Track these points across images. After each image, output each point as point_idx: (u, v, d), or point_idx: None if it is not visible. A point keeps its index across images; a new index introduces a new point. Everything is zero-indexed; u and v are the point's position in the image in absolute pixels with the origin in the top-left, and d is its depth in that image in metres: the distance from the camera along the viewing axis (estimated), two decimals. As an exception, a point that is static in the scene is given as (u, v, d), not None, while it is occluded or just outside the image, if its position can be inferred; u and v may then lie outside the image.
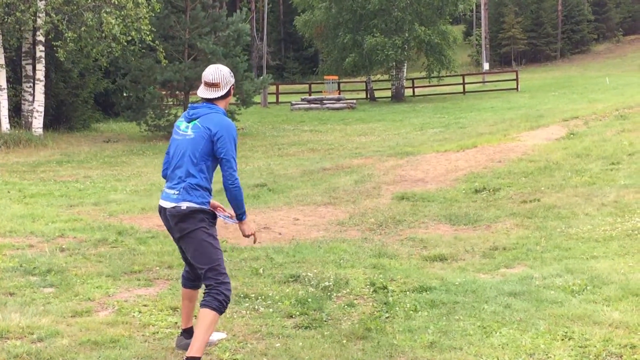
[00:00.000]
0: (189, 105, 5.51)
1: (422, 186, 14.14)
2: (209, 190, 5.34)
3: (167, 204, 5.30)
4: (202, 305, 5.18)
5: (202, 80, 5.44)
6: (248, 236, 5.52)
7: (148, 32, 25.10)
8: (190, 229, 5.23)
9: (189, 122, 5.36)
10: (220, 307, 5.18)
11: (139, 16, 24.76)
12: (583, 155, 15.22)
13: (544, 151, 16.22)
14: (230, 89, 5.47)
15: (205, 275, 5.25)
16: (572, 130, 18.57)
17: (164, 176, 5.54)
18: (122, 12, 24.46)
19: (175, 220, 5.27)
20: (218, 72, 5.41)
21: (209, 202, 5.31)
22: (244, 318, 6.45)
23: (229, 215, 5.54)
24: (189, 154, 5.27)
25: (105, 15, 23.93)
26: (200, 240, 5.24)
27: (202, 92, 5.43)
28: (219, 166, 5.35)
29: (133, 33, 24.86)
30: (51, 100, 27.74)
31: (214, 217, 5.37)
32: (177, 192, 5.25)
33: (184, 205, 5.21)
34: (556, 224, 10.61)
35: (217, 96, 5.41)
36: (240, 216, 5.42)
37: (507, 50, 79.30)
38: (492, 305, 6.63)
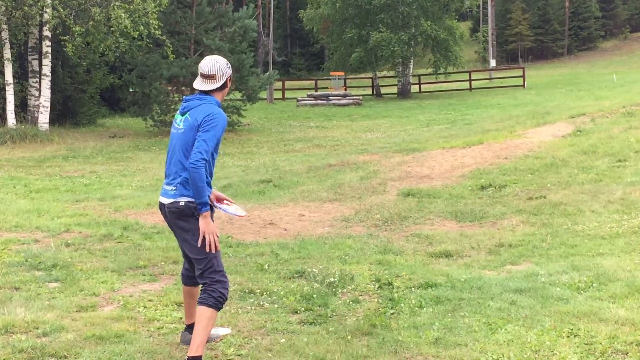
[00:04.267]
0: (183, 97, 5.45)
1: (428, 182, 14.12)
2: (207, 183, 5.18)
3: (166, 200, 5.28)
4: (199, 302, 5.18)
5: (199, 72, 5.36)
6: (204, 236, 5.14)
7: (156, 27, 25.11)
8: (187, 226, 5.20)
9: (182, 115, 5.31)
10: (216, 303, 5.15)
11: (147, 11, 24.76)
12: (589, 152, 15.18)
13: (551, 148, 16.19)
14: (226, 80, 5.37)
15: (201, 274, 5.23)
16: (579, 127, 18.52)
17: None
18: (131, 7, 24.47)
19: (173, 217, 5.24)
20: (214, 64, 5.31)
21: (207, 196, 5.23)
22: (248, 314, 6.44)
23: (233, 207, 5.50)
24: (182, 147, 5.21)
25: (116, 8, 23.94)
26: (197, 239, 5.18)
27: (198, 83, 5.35)
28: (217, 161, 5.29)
29: (141, 28, 24.86)
30: (57, 96, 27.78)
31: (211, 212, 5.30)
32: (174, 187, 5.21)
33: (182, 201, 5.16)
34: (562, 221, 10.58)
35: (212, 88, 5.32)
36: (198, 207, 5.08)
37: (514, 46, 79.24)
38: (497, 301, 6.62)
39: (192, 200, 5.15)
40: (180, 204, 5.17)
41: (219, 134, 5.14)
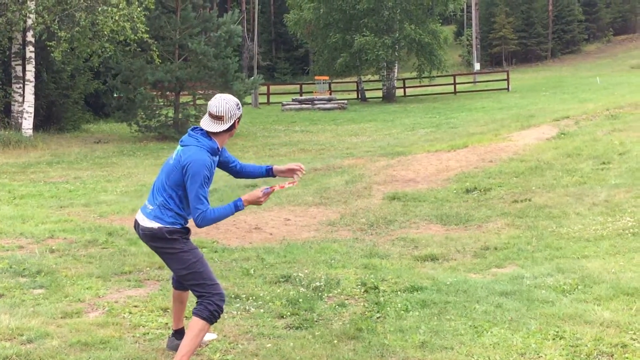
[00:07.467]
0: (192, 127, 5.33)
1: (413, 186, 14.14)
2: (182, 217, 5.19)
3: (141, 218, 5.25)
4: (194, 313, 5.14)
5: (207, 110, 5.19)
6: (262, 198, 5.18)
7: (144, 31, 25.04)
8: (164, 247, 5.19)
9: (180, 146, 5.22)
10: (210, 317, 5.12)
11: (132, 15, 24.68)
12: (574, 155, 15.23)
13: (535, 151, 16.24)
14: (234, 122, 5.19)
15: (195, 290, 5.21)
16: (563, 130, 18.59)
17: None
18: (120, 12, 24.35)
19: (146, 239, 5.24)
20: (223, 104, 5.14)
21: (180, 225, 5.19)
22: (234, 319, 6.43)
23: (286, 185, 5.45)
24: (164, 179, 5.17)
25: (113, 10, 23.86)
26: (179, 258, 5.18)
27: (206, 123, 5.18)
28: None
29: (128, 32, 24.77)
30: (41, 101, 27.64)
31: (187, 232, 5.28)
32: (152, 207, 5.19)
33: (156, 225, 5.13)
34: (547, 224, 10.62)
35: (219, 130, 5.16)
36: (238, 208, 5.12)
37: (498, 50, 79.56)
38: (483, 305, 6.63)
39: (166, 226, 5.14)
40: (154, 227, 5.15)
41: (204, 180, 5.02)
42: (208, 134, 5.21)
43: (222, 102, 5.16)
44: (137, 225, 5.31)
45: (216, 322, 5.25)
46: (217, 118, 5.15)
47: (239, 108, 5.22)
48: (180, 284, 5.62)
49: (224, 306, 5.22)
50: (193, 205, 5.01)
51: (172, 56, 28.23)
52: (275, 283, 7.66)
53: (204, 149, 5.11)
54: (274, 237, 10.56)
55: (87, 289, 7.38)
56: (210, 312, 5.12)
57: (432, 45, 45.81)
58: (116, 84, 28.08)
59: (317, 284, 7.49)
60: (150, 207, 5.20)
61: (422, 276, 7.92)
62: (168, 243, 5.16)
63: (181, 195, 5.13)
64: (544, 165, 14.70)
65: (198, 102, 29.65)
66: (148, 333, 6.05)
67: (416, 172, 15.51)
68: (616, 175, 13.20)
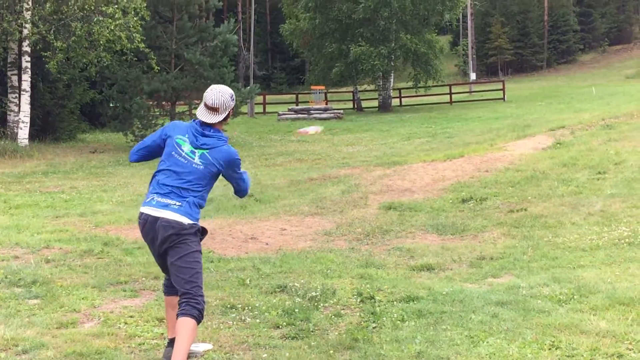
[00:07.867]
0: (196, 129, 5.37)
1: (409, 196, 14.14)
2: (201, 211, 5.46)
3: (162, 213, 5.24)
4: (182, 314, 5.15)
5: (203, 101, 5.37)
6: None
7: (140, 40, 25.06)
8: (183, 239, 5.22)
9: (196, 149, 5.30)
10: (199, 315, 5.19)
11: (129, 24, 24.71)
12: (570, 165, 15.25)
13: (531, 161, 16.26)
14: (229, 113, 5.42)
15: (184, 286, 5.24)
16: (559, 139, 18.62)
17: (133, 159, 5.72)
18: (116, 22, 24.38)
19: (170, 232, 5.21)
20: (219, 97, 5.34)
21: (199, 219, 5.41)
22: (230, 329, 6.42)
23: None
24: (196, 180, 5.29)
25: (109, 20, 23.89)
26: (190, 253, 5.25)
27: (202, 114, 5.36)
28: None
29: (124, 41, 24.78)
30: (37, 111, 27.63)
31: (203, 232, 5.42)
32: (180, 204, 5.24)
33: (187, 221, 5.23)
34: (543, 234, 10.62)
35: (215, 121, 5.36)
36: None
37: (494, 60, 79.68)
38: (479, 314, 6.62)
39: (195, 222, 5.29)
40: (184, 223, 5.22)
41: (240, 165, 5.54)
42: (207, 124, 5.40)
43: (218, 94, 5.36)
44: (150, 218, 5.30)
45: (201, 321, 5.29)
46: (213, 110, 5.36)
47: (233, 99, 5.43)
48: (171, 289, 5.62)
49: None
50: (239, 183, 5.63)
51: (168, 66, 28.26)
52: (271, 293, 7.65)
53: (226, 142, 5.44)
54: (270, 247, 10.55)
55: (82, 299, 7.37)
56: (199, 311, 5.20)
57: (428, 55, 45.87)
58: (112, 94, 28.08)
59: (313, 294, 7.49)
60: (177, 204, 5.24)
61: (418, 286, 7.91)
62: (189, 237, 5.26)
63: (208, 191, 5.46)
64: (539, 175, 14.72)
65: (194, 111, 29.63)
66: (144, 343, 6.03)
67: (412, 181, 15.51)
68: (612, 185, 13.22)
